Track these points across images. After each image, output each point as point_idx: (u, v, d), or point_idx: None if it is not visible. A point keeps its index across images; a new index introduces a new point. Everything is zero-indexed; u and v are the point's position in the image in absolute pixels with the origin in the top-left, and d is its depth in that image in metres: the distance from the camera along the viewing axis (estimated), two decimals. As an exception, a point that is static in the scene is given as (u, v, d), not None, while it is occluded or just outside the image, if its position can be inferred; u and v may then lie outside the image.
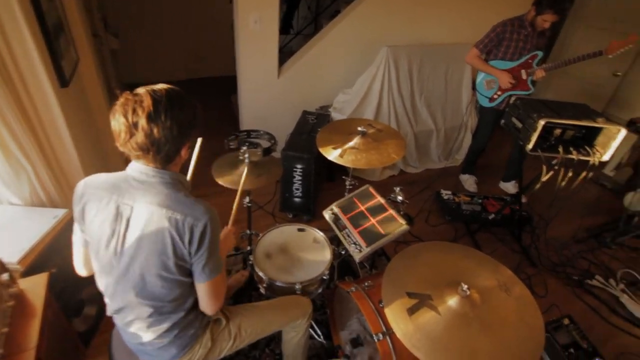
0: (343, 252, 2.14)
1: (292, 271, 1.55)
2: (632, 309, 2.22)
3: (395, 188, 1.70)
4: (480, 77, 2.80)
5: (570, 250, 2.62)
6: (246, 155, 1.70)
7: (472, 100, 3.40)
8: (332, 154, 1.67)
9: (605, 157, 2.02)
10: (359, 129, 1.70)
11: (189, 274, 1.02)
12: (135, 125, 0.86)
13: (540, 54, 2.57)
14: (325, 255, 1.64)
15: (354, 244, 1.52)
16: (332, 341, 1.78)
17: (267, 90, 2.99)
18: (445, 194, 2.87)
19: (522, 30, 2.51)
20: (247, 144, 1.68)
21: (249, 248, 2.04)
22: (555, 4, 2.32)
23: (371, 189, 1.71)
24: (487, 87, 2.76)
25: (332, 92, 3.18)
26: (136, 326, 1.07)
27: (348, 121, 1.86)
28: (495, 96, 2.72)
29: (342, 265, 2.25)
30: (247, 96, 2.98)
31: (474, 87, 3.52)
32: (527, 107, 2.07)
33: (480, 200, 2.81)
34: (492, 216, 2.61)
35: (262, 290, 1.57)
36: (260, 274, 1.53)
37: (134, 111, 0.86)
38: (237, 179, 1.64)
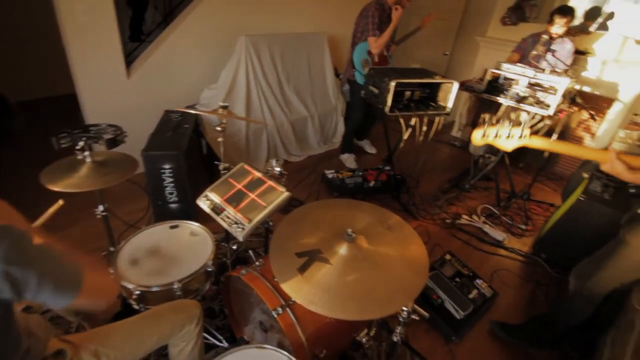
0: (235, 247, 1.98)
1: (167, 271, 1.32)
2: (493, 235, 2.61)
3: (271, 160, 1.62)
4: (357, 58, 2.96)
5: (440, 200, 2.97)
6: (86, 153, 1.39)
7: (337, 85, 3.61)
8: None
9: (449, 107, 2.33)
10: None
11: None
12: None
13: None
14: (206, 245, 1.45)
15: (236, 223, 1.37)
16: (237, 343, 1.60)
17: (117, 94, 2.60)
18: (330, 173, 2.94)
19: (383, 12, 2.81)
20: (84, 138, 1.37)
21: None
22: None
23: (246, 166, 1.59)
24: (364, 67, 2.95)
25: (196, 90, 2.95)
26: None
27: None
28: (369, 75, 2.97)
29: (237, 263, 2.07)
30: (91, 103, 2.54)
31: (337, 74, 3.76)
32: (380, 74, 2.25)
33: (361, 173, 2.96)
34: (372, 183, 2.77)
35: (135, 305, 1.29)
36: (128, 285, 1.26)
37: None
38: (79, 181, 1.33)
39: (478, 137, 1.25)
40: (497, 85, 2.66)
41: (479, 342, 1.85)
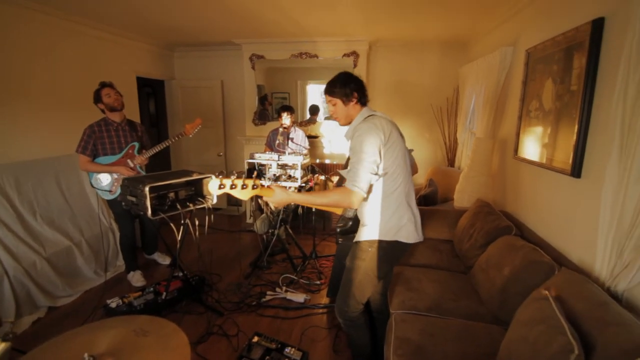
0: None
1: None
2: (296, 299, 2.79)
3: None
4: (92, 176, 2.77)
5: (244, 285, 3.00)
6: None
7: (103, 202, 3.31)
8: None
9: (214, 200, 2.51)
10: None
11: None
12: None
13: (137, 144, 2.88)
14: None
15: None
16: None
17: None
18: (112, 302, 2.51)
19: (110, 128, 2.76)
20: None
21: None
22: (104, 84, 2.70)
23: None
24: (103, 182, 2.77)
25: None
26: None
27: None
28: (114, 188, 2.77)
29: None
30: None
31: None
32: (134, 182, 2.23)
33: (152, 289, 2.67)
34: (163, 296, 2.53)
35: None
36: None
37: None
38: None
39: (215, 187, 1.34)
40: (257, 172, 3.10)
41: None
